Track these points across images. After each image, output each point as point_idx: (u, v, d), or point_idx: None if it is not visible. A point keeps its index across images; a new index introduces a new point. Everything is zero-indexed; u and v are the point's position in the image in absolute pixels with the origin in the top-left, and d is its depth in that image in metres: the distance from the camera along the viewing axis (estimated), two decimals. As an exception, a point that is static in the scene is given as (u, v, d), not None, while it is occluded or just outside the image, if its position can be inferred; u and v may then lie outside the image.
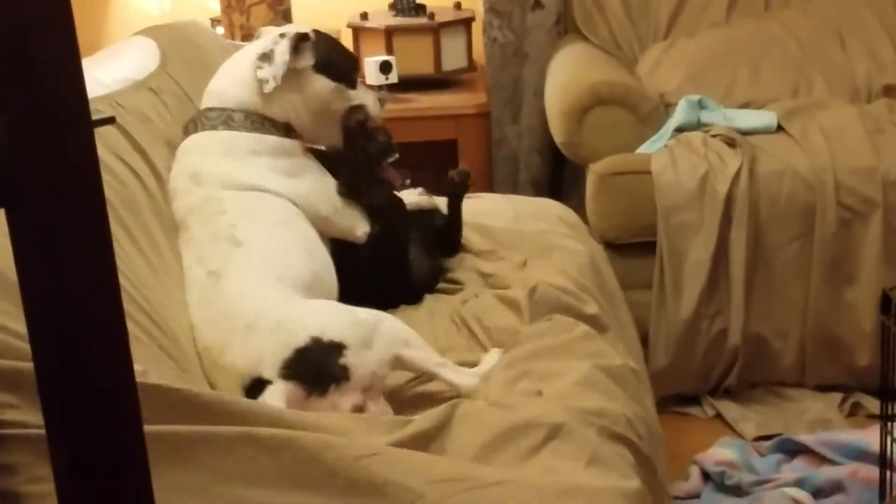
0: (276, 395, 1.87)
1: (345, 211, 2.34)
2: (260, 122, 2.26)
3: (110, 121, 0.90)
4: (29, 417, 1.39)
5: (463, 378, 2.02)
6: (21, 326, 1.42)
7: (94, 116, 0.72)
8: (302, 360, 1.91)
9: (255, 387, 1.92)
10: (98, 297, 0.71)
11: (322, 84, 2.34)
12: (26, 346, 1.42)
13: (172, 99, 2.37)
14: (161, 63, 2.47)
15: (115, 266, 0.71)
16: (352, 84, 2.41)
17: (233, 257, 2.08)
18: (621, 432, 1.77)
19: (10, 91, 0.68)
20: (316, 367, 1.91)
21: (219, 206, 2.15)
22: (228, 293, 2.03)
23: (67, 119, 0.68)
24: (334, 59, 2.38)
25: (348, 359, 1.91)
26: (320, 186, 2.33)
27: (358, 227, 2.35)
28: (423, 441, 1.67)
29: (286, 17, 4.14)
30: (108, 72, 2.33)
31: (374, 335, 1.97)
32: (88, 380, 0.72)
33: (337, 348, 1.92)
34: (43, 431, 1.30)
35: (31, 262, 0.70)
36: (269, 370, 1.91)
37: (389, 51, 4.13)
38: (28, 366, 1.39)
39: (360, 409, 1.91)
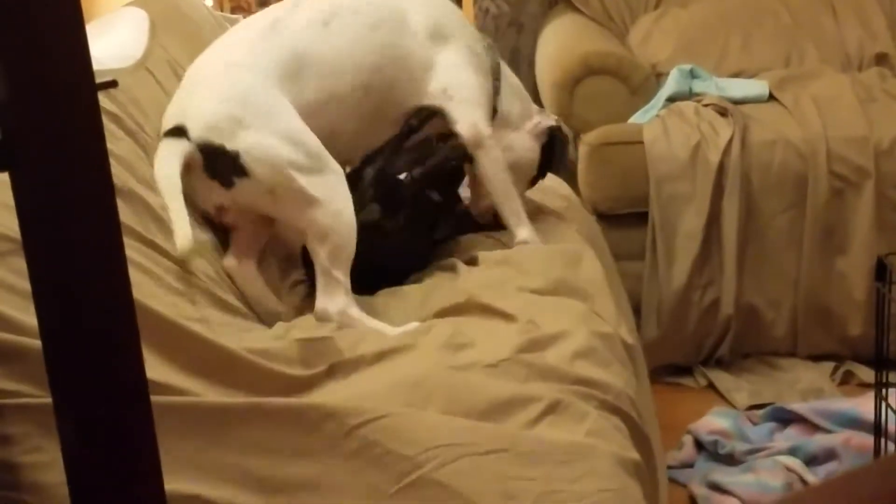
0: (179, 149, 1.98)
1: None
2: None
3: (113, 84, 0.89)
4: (24, 387, 1.38)
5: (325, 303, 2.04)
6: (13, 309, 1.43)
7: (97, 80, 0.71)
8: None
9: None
10: (102, 259, 0.70)
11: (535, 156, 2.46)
12: (21, 320, 1.42)
13: (167, 73, 2.34)
14: (151, 36, 2.45)
15: (119, 228, 0.70)
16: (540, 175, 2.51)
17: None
18: (620, 406, 1.77)
19: (12, 55, 0.67)
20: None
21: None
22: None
23: (70, 82, 0.68)
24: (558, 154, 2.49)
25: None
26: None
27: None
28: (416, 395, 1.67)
29: (275, -12, 4.12)
30: (99, 45, 2.30)
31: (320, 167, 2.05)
32: (93, 343, 0.72)
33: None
34: (40, 400, 1.31)
35: (35, 225, 0.69)
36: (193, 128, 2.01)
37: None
38: (24, 340, 1.39)
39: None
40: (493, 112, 2.39)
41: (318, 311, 2.03)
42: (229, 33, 2.27)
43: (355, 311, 2.04)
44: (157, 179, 1.97)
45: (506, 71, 2.46)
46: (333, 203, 2.05)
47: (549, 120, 2.50)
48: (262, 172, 2.00)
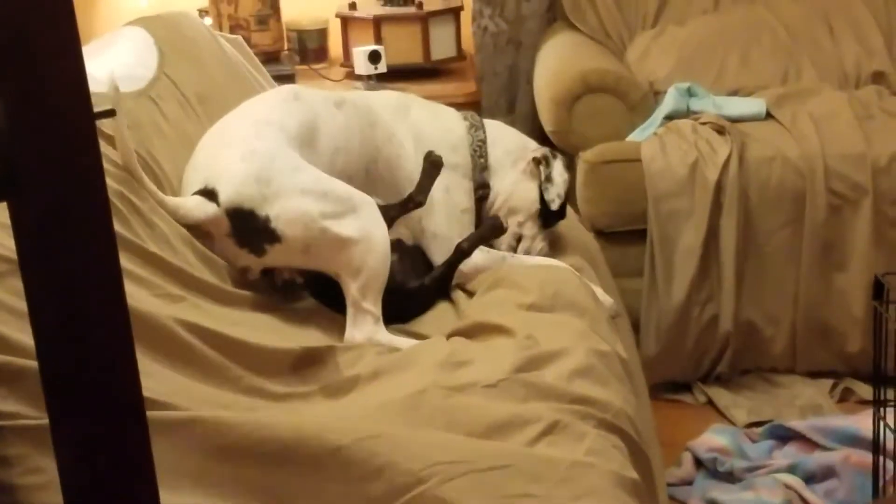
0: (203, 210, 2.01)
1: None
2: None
3: (111, 113, 0.90)
4: (22, 409, 1.39)
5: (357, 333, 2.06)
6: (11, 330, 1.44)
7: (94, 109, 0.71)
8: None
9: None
10: (100, 285, 0.70)
11: (533, 193, 2.48)
12: (19, 341, 1.43)
13: (172, 106, 2.35)
14: (160, 64, 2.45)
15: (116, 254, 0.70)
16: (543, 224, 2.51)
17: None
18: (619, 424, 1.77)
19: (10, 82, 0.67)
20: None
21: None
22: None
23: (68, 111, 0.68)
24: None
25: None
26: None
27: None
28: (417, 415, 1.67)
29: (274, 7, 4.13)
30: (100, 65, 2.30)
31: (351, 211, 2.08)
32: (90, 366, 0.72)
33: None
34: (39, 422, 1.32)
35: (34, 252, 0.69)
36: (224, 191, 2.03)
37: (378, 40, 4.12)
38: (22, 361, 1.40)
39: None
40: (482, 191, 2.48)
41: (346, 340, 2.05)
42: (252, 101, 2.31)
43: (384, 336, 2.06)
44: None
45: (494, 134, 2.53)
46: (367, 234, 2.07)
47: (538, 153, 2.54)
48: (295, 234, 2.02)
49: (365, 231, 2.07)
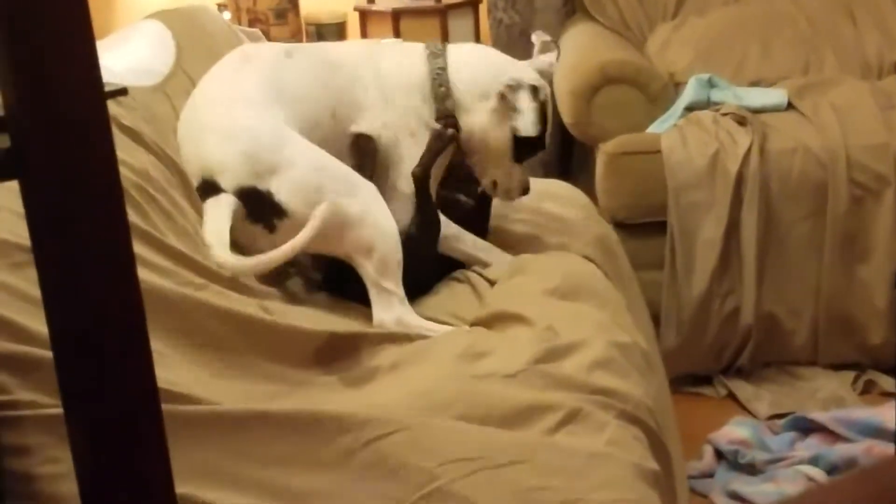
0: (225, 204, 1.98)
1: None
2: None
3: (122, 92, 0.89)
4: (40, 397, 1.39)
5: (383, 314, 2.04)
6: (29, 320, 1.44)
7: (106, 89, 0.71)
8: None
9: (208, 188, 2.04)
10: (112, 265, 0.70)
11: (505, 134, 2.36)
12: (38, 331, 1.43)
13: (185, 100, 2.35)
14: (177, 59, 2.45)
15: (129, 235, 0.70)
16: (517, 158, 2.39)
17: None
18: (639, 415, 1.76)
19: (19, 62, 0.67)
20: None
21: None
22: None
23: (78, 89, 0.68)
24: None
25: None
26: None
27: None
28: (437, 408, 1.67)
29: (293, 1, 4.13)
30: (118, 59, 2.31)
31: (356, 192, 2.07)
32: (104, 350, 0.72)
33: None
34: (56, 411, 1.32)
35: (45, 233, 0.69)
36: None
37: (397, 33, 4.12)
38: (40, 351, 1.40)
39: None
40: (446, 120, 2.36)
41: (375, 323, 2.03)
42: (205, 77, 2.27)
43: (413, 319, 2.05)
44: (206, 235, 1.96)
45: (457, 63, 2.40)
46: (372, 217, 2.06)
47: (521, 82, 2.38)
48: (299, 207, 2.00)
49: (367, 213, 2.05)
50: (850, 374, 3.28)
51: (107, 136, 0.69)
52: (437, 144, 2.29)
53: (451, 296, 2.24)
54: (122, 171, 1.91)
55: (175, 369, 1.63)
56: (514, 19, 4.16)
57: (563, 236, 2.48)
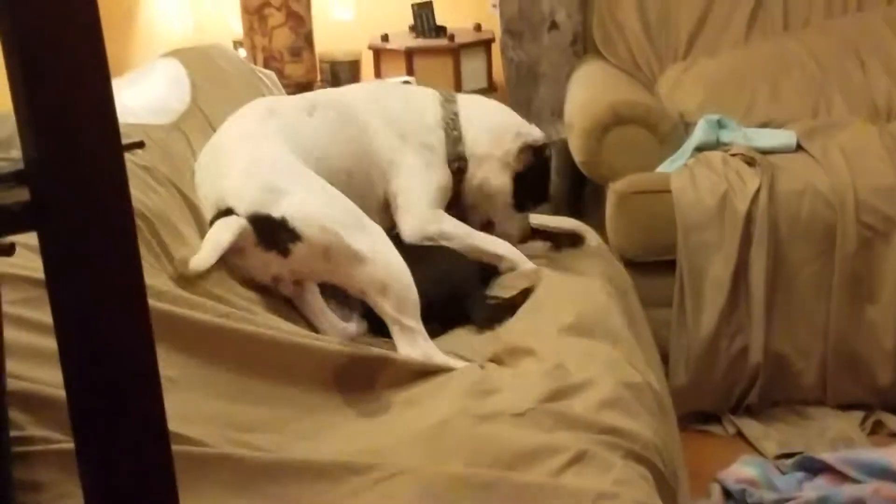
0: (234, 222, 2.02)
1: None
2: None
3: (139, 145, 0.92)
4: (53, 433, 1.41)
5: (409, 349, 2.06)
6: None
7: (124, 141, 0.73)
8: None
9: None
10: (127, 317, 0.72)
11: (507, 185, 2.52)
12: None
13: (202, 138, 2.39)
14: (192, 97, 2.49)
15: (143, 286, 0.72)
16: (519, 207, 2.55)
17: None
18: (647, 455, 1.77)
19: (41, 115, 0.70)
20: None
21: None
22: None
23: (97, 143, 0.70)
24: (532, 184, 2.55)
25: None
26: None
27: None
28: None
29: (308, 40, 4.17)
30: (135, 97, 2.35)
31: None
32: (117, 398, 0.74)
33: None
34: (67, 446, 1.34)
35: (62, 282, 0.72)
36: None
37: (410, 72, 4.16)
38: (46, 389, 1.42)
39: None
40: (458, 163, 2.50)
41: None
42: (229, 121, 2.34)
43: (440, 358, 2.06)
44: (204, 242, 2.01)
45: (468, 111, 2.55)
46: (381, 255, 2.08)
47: (527, 138, 2.55)
48: (313, 232, 2.03)
49: (376, 251, 2.08)
50: (859, 415, 3.28)
51: (124, 187, 0.71)
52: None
53: (471, 330, 2.27)
54: (137, 207, 1.95)
55: (188, 394, 1.66)
56: (522, 58, 4.19)
57: (577, 273, 2.52)
